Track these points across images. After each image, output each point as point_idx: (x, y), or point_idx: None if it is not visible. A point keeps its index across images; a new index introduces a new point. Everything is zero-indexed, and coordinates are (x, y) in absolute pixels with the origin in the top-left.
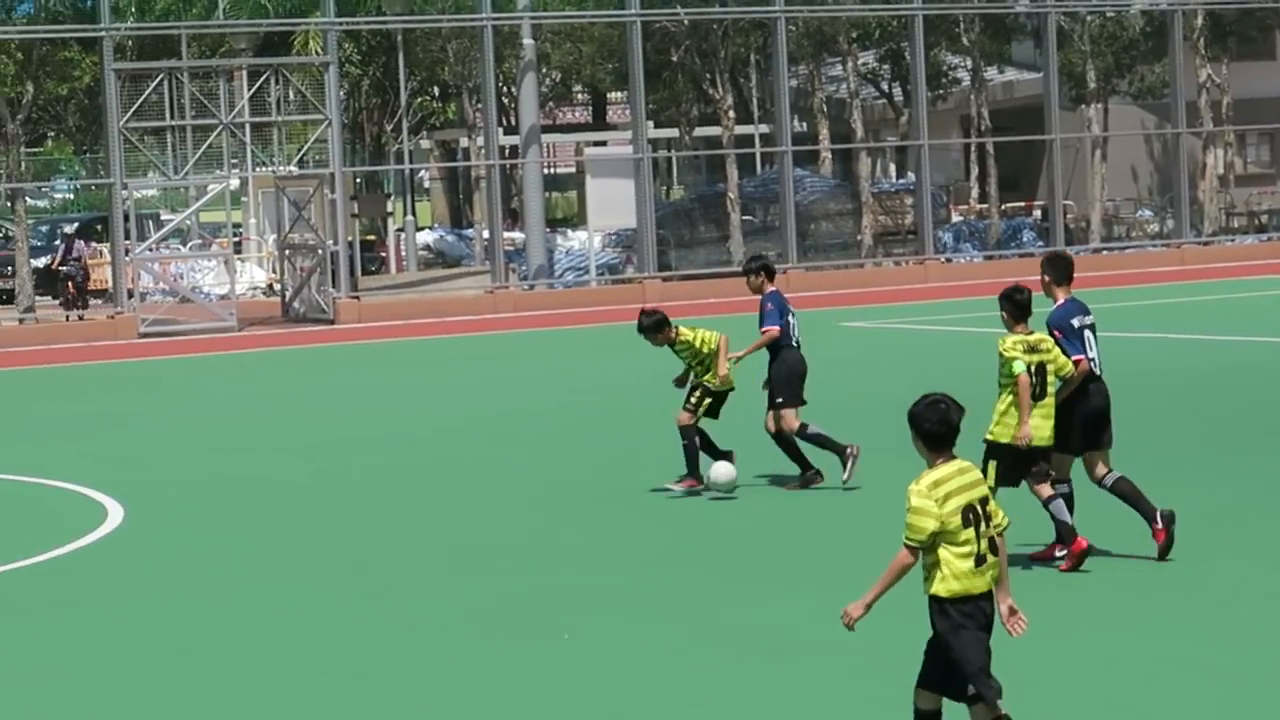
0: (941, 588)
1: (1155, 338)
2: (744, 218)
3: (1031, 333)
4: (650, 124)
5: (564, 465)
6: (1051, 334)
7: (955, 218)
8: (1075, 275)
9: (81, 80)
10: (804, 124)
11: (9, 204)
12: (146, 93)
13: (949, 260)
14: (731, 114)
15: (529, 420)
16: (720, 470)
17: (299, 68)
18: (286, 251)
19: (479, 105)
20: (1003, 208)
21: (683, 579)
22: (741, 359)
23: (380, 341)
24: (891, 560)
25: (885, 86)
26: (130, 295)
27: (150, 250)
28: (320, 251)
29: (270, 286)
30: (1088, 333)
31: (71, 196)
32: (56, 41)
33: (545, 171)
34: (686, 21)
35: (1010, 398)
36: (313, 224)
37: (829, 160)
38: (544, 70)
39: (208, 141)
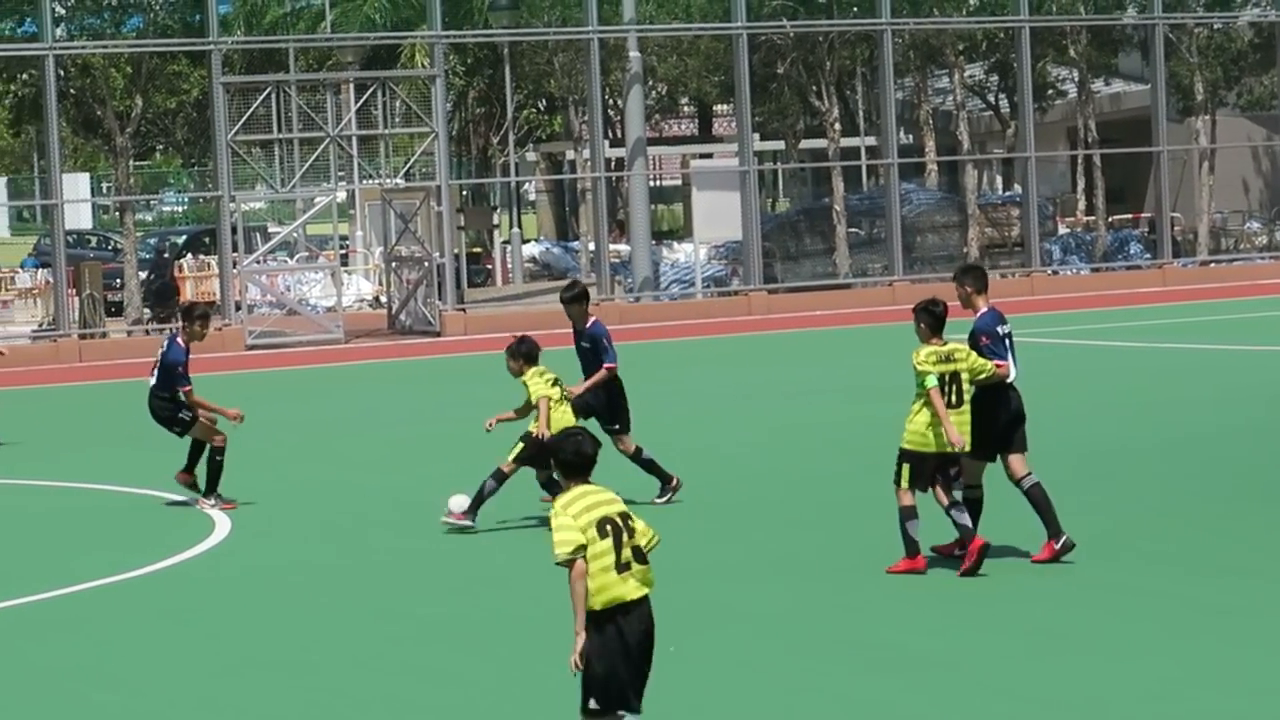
0: (595, 601)
1: (1263, 350)
2: (850, 230)
3: (946, 343)
4: (756, 136)
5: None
6: (978, 340)
7: (1062, 230)
8: (1185, 286)
9: (190, 94)
10: (910, 136)
11: (118, 217)
12: (254, 106)
13: (1055, 272)
14: (837, 126)
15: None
16: (455, 501)
17: (406, 80)
18: (393, 264)
19: (585, 118)
20: (1109, 220)
21: (799, 591)
22: (582, 394)
23: (486, 354)
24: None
25: (992, 98)
26: (238, 308)
27: (258, 263)
28: (426, 264)
29: (376, 299)
30: (1008, 340)
31: (180, 209)
32: (165, 55)
33: (651, 184)
34: (793, 34)
35: (920, 406)
36: (419, 236)
37: (935, 172)
38: (650, 83)
39: (315, 154)
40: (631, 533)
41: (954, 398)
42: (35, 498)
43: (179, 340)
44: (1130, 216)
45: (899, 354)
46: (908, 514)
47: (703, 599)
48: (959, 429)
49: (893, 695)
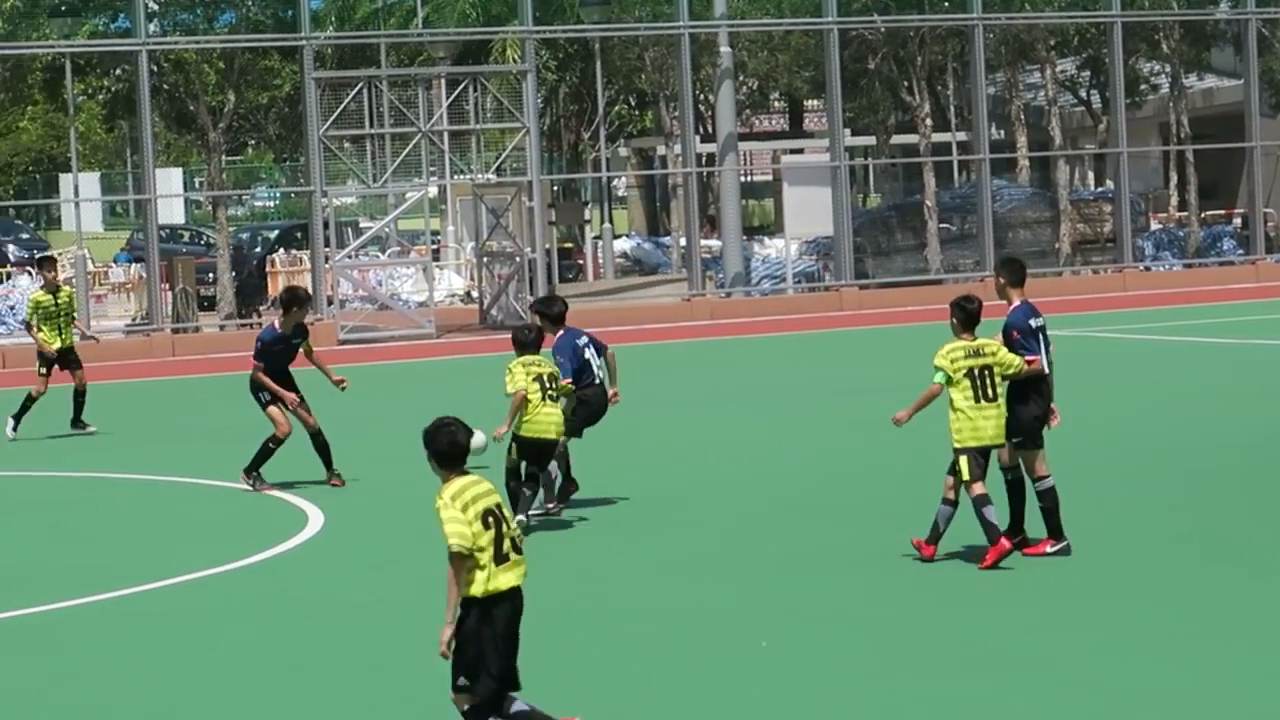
0: (477, 589)
1: None
2: (941, 225)
3: (975, 339)
4: (847, 132)
5: (769, 474)
6: (1010, 334)
7: (1154, 226)
8: (1278, 282)
9: (282, 89)
10: (1001, 131)
11: (210, 212)
12: (346, 101)
13: (1148, 269)
14: (929, 121)
15: (725, 429)
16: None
17: (497, 75)
18: (484, 259)
19: (676, 113)
20: (1202, 216)
21: (885, 588)
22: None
23: None
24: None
25: (1084, 94)
26: (329, 302)
27: (349, 258)
28: (518, 259)
29: (468, 294)
30: (1041, 334)
31: (272, 204)
32: (258, 51)
33: (742, 179)
34: (884, 29)
35: (951, 404)
36: (510, 231)
37: (1026, 168)
38: (741, 78)
39: (406, 149)
40: (507, 523)
41: (990, 391)
42: (128, 491)
43: (276, 323)
44: (1223, 212)
45: None
46: (981, 502)
47: (794, 593)
48: (995, 422)
49: (986, 694)
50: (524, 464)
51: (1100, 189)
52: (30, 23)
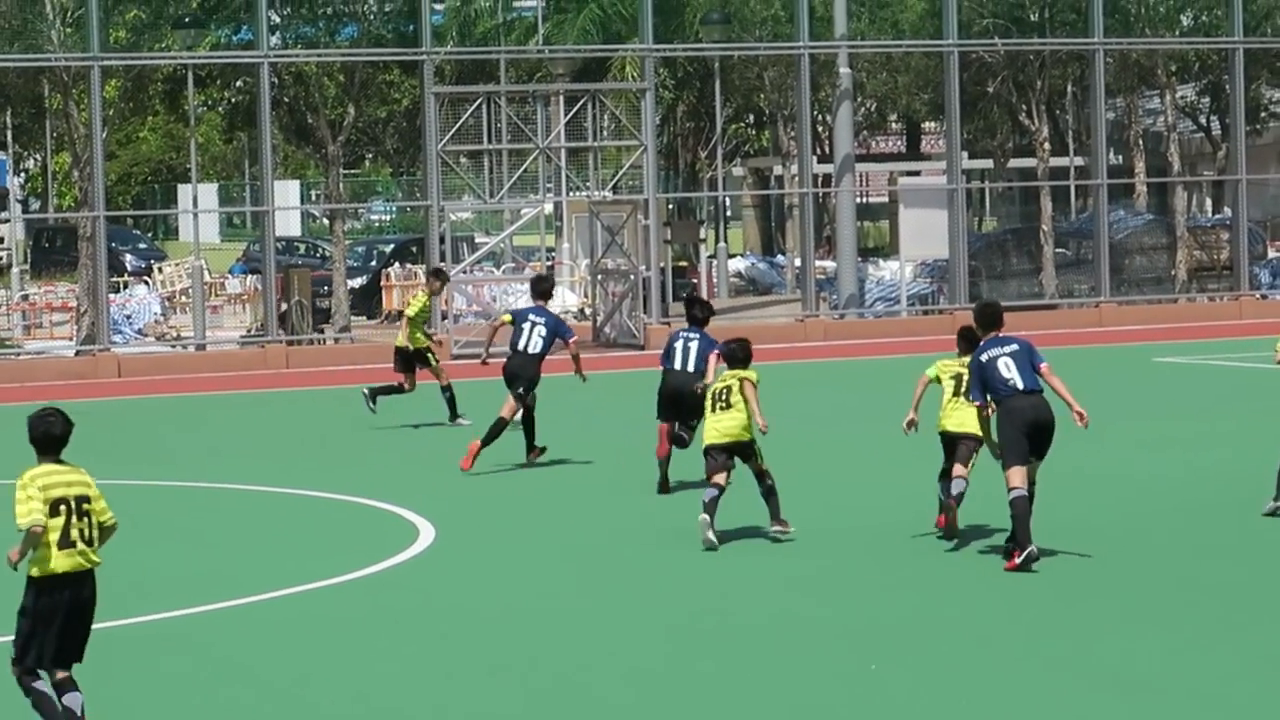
0: (35, 569)
1: None
2: (1057, 250)
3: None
4: (964, 154)
5: (894, 504)
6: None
7: (1272, 254)
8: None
9: (400, 103)
10: (1119, 157)
11: (327, 224)
12: (464, 116)
13: (1265, 297)
14: (1047, 145)
15: (865, 453)
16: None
17: (615, 93)
18: (599, 276)
19: (793, 133)
20: None
21: (1013, 604)
22: None
23: None
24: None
25: (1203, 120)
26: (444, 317)
27: (465, 272)
28: (632, 277)
29: (582, 310)
30: (999, 362)
31: (389, 218)
32: (378, 65)
33: (858, 200)
34: (1003, 52)
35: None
36: (625, 249)
37: (1144, 194)
38: (859, 99)
39: (524, 166)
40: (84, 515)
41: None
42: (246, 501)
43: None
44: None
45: (1103, 375)
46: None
47: (916, 611)
48: (969, 419)
49: (1114, 715)
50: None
51: (1218, 216)
52: (153, 34)
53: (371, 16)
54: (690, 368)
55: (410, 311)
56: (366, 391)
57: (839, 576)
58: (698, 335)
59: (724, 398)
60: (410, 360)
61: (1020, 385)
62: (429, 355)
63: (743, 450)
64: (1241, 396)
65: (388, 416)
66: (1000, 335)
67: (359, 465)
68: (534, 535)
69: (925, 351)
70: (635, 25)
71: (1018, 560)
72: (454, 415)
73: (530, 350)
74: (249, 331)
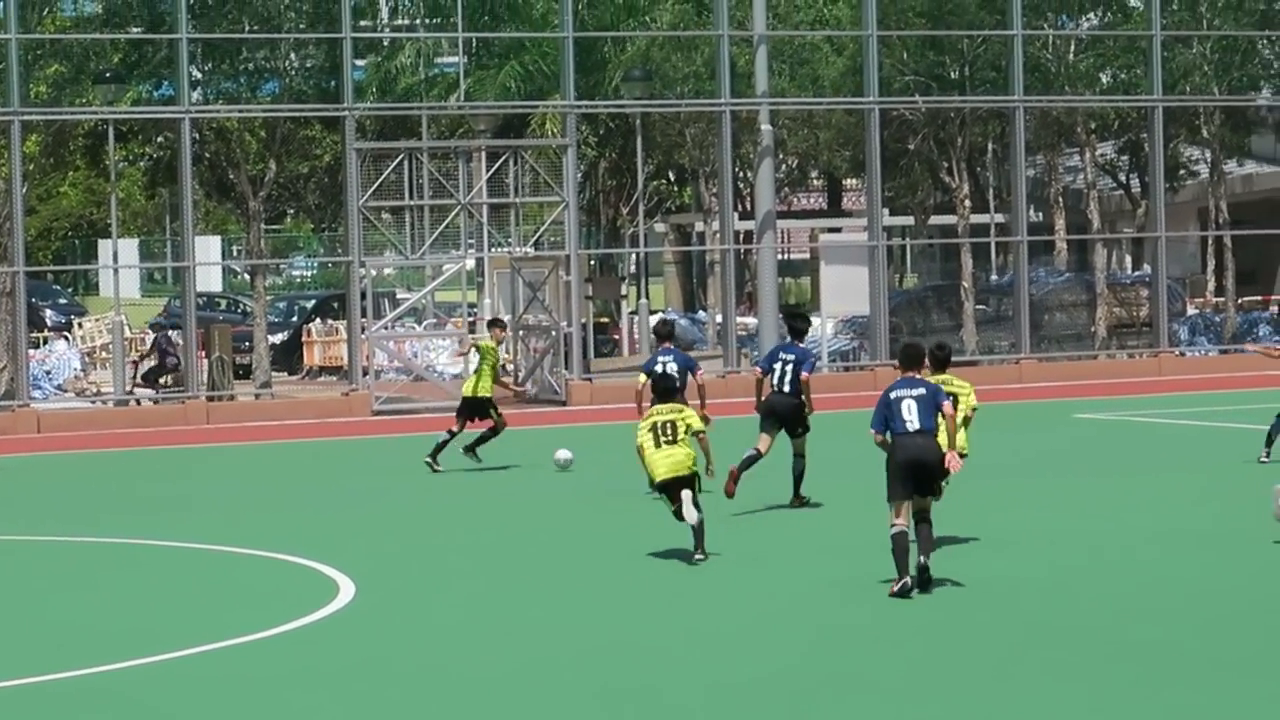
0: None
1: None
2: (978, 307)
3: (941, 376)
4: (885, 211)
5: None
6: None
7: (1190, 311)
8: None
9: (322, 159)
10: (1040, 214)
11: (248, 280)
12: (386, 172)
13: (1183, 354)
14: (967, 202)
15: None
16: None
17: (537, 149)
18: (520, 332)
19: (715, 189)
20: (1239, 301)
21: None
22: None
23: (612, 424)
24: None
25: (1123, 177)
26: (365, 373)
27: (386, 328)
28: (554, 333)
29: (504, 367)
30: (900, 404)
31: (310, 273)
32: (299, 120)
33: (780, 257)
34: (924, 109)
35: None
36: (547, 305)
37: (1064, 251)
38: (781, 155)
39: (445, 221)
40: None
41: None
42: (164, 558)
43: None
44: (1260, 298)
45: (1024, 431)
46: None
47: (808, 662)
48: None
49: None
50: None
51: (1137, 273)
52: (74, 88)
53: (293, 72)
54: (786, 389)
55: (487, 364)
56: (464, 450)
57: (753, 634)
58: (794, 354)
59: (668, 432)
60: (474, 408)
61: (913, 427)
62: (491, 407)
63: (688, 482)
64: (1161, 452)
65: (311, 471)
66: (914, 377)
67: (279, 521)
68: (454, 590)
69: (846, 408)
70: (557, 81)
71: (895, 589)
72: (474, 447)
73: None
74: (165, 385)
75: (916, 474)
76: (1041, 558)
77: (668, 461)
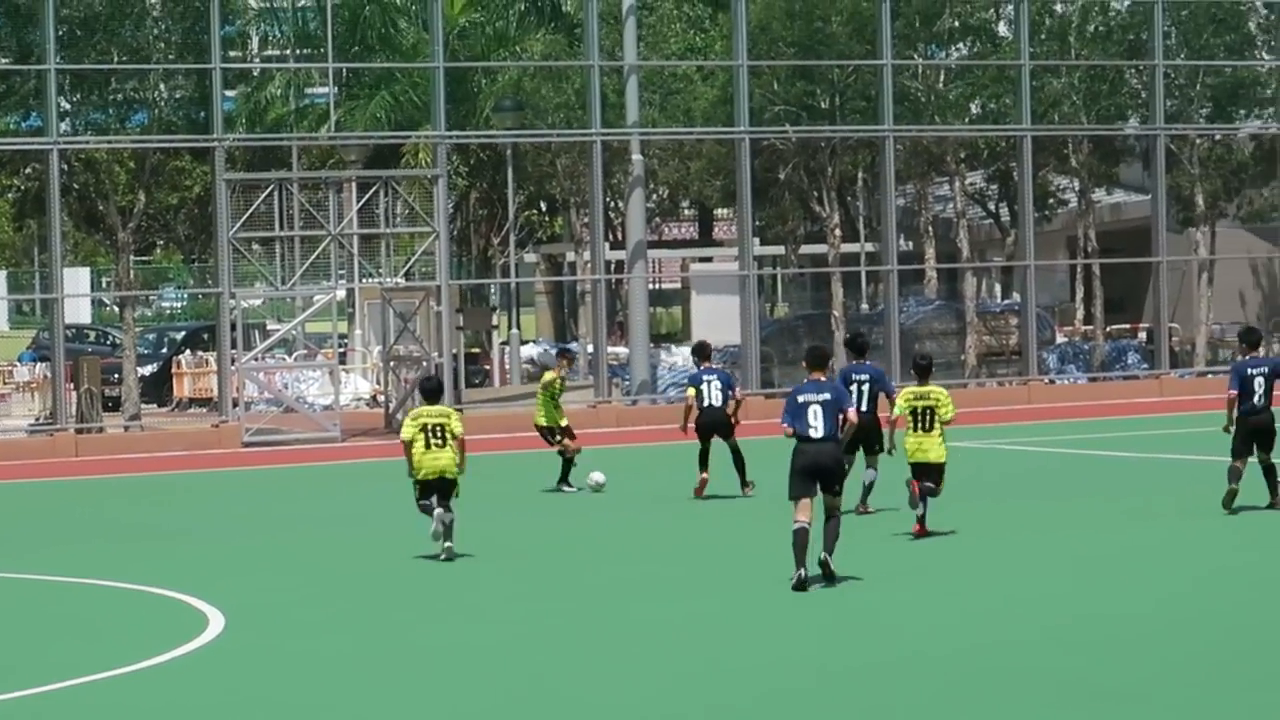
0: None
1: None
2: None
3: (924, 386)
4: (756, 241)
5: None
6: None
7: (1060, 339)
8: (1182, 397)
9: (192, 190)
10: (910, 243)
11: (117, 312)
12: (256, 203)
13: (1052, 381)
14: (838, 232)
15: (631, 533)
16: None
17: (408, 180)
18: (391, 363)
19: (586, 219)
20: (1108, 329)
21: None
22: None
23: (483, 454)
24: None
25: (992, 206)
26: (235, 404)
27: (256, 360)
28: (425, 363)
29: (374, 398)
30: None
31: (180, 305)
32: (169, 151)
33: (651, 287)
34: (795, 139)
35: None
36: (418, 336)
37: (934, 279)
38: (652, 185)
39: (316, 252)
40: None
41: (926, 424)
42: (27, 591)
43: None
44: (1128, 326)
45: (893, 460)
46: (913, 504)
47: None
48: (930, 447)
49: None
50: None
51: (1007, 301)
52: None
53: (162, 103)
54: (864, 407)
55: (554, 390)
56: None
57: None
58: (867, 374)
59: (437, 435)
60: (552, 433)
61: (817, 434)
62: (557, 432)
63: (450, 485)
64: (1029, 480)
65: (181, 504)
66: (820, 380)
67: (147, 553)
68: (326, 624)
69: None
70: (428, 112)
71: (793, 582)
72: (562, 479)
73: (715, 403)
74: (37, 419)
75: (817, 475)
76: (902, 589)
77: (435, 464)
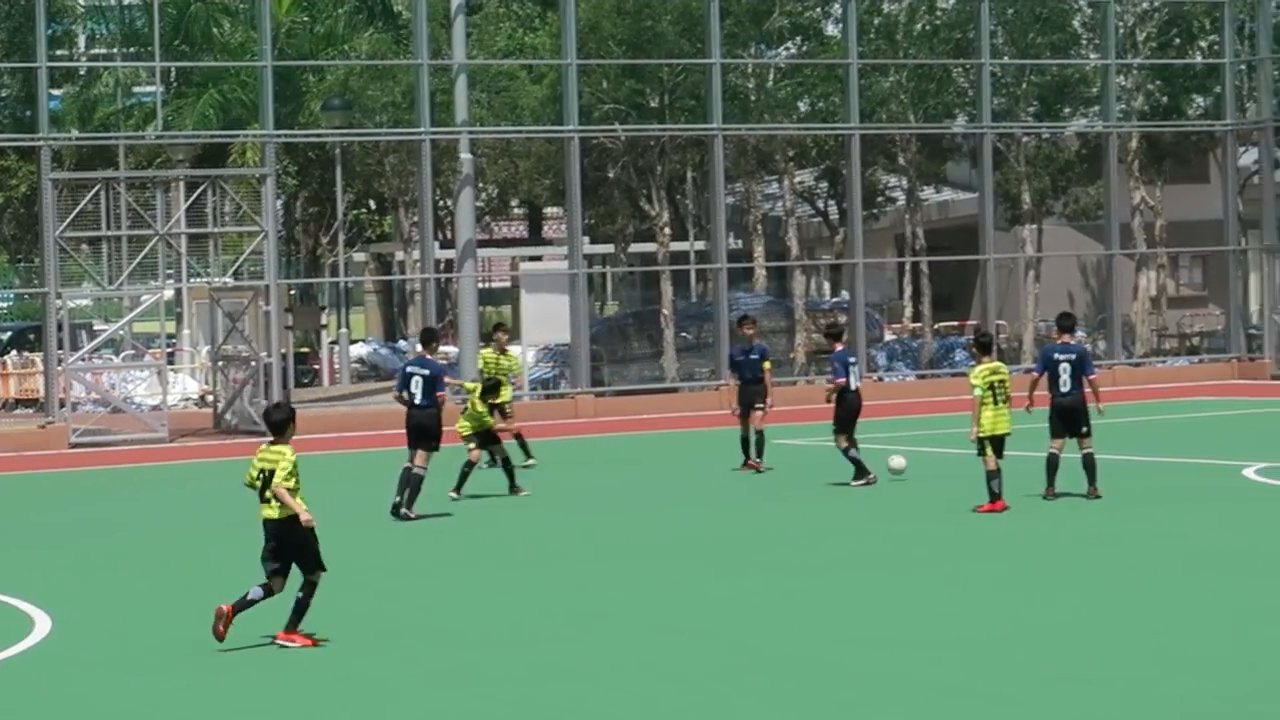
0: None
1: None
2: (679, 334)
3: (995, 363)
4: (586, 239)
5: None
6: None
7: (888, 336)
8: (1010, 395)
9: (18, 189)
10: (739, 241)
11: None
12: (83, 203)
13: (881, 379)
14: (667, 230)
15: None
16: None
17: (236, 179)
18: (220, 363)
19: (415, 218)
20: (936, 327)
21: None
22: None
23: (313, 454)
24: None
25: (821, 204)
26: (62, 405)
27: (83, 360)
28: (254, 363)
29: (203, 398)
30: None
31: (5, 305)
32: None
33: (480, 285)
34: (624, 138)
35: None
36: (247, 335)
37: (764, 277)
38: (481, 184)
39: (143, 252)
40: None
41: (1002, 397)
42: None
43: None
44: (956, 324)
45: (719, 458)
46: (993, 475)
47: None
48: (1004, 419)
49: None
50: None
51: (836, 299)
52: None
53: None
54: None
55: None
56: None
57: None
58: (1075, 353)
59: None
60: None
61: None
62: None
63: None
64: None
65: (7, 506)
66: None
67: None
68: (155, 626)
69: (546, 435)
70: (256, 111)
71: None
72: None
73: (753, 377)
74: None
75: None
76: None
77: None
